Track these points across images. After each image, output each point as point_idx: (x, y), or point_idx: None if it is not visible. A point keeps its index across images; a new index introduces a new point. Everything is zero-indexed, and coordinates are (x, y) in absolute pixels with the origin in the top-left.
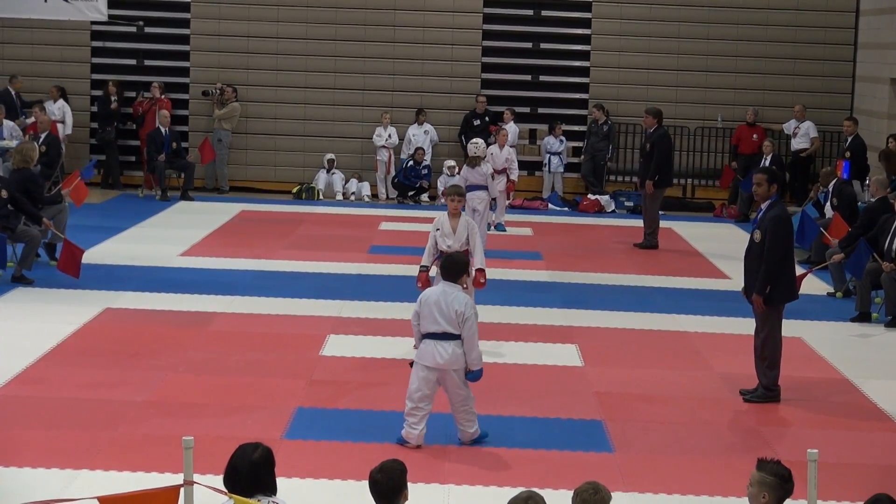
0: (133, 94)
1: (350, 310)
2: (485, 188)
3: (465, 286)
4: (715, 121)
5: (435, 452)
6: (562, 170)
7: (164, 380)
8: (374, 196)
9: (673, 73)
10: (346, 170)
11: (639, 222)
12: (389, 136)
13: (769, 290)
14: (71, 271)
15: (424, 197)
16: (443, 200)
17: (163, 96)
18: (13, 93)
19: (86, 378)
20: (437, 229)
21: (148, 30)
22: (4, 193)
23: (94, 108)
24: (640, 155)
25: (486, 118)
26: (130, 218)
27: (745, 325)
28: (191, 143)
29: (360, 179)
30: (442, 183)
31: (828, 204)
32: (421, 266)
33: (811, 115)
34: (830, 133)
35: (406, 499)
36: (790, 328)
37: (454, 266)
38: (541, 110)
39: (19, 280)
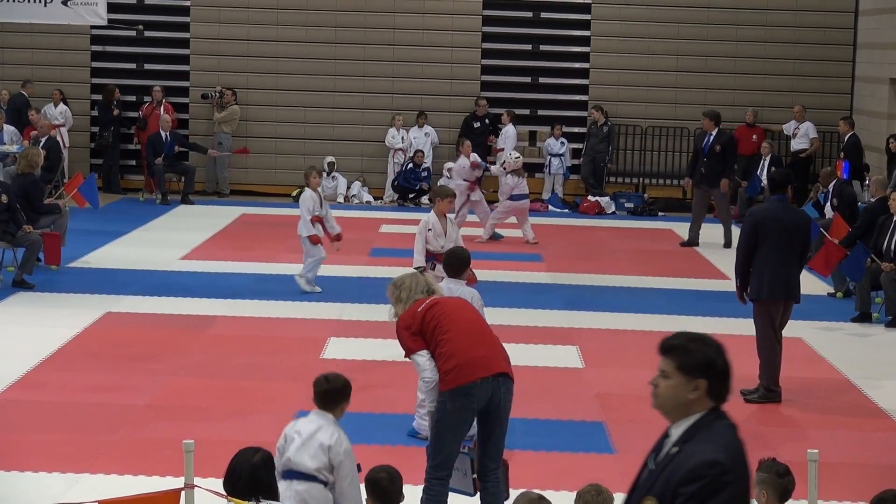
0: (132, 99)
1: (351, 312)
2: (528, 196)
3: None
4: None
5: None
6: (563, 171)
7: (164, 383)
8: (379, 198)
9: (672, 74)
10: (348, 173)
11: (640, 224)
12: (402, 137)
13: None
14: (52, 253)
15: (424, 199)
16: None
17: (164, 100)
18: (27, 97)
19: (87, 382)
20: (430, 229)
21: (148, 34)
22: (4, 198)
23: (94, 113)
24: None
25: (487, 120)
26: (131, 222)
27: (745, 326)
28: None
29: (364, 183)
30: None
31: (828, 204)
32: (417, 268)
33: (810, 115)
34: (830, 134)
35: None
36: (790, 328)
37: (457, 261)
38: (540, 112)
39: (20, 285)
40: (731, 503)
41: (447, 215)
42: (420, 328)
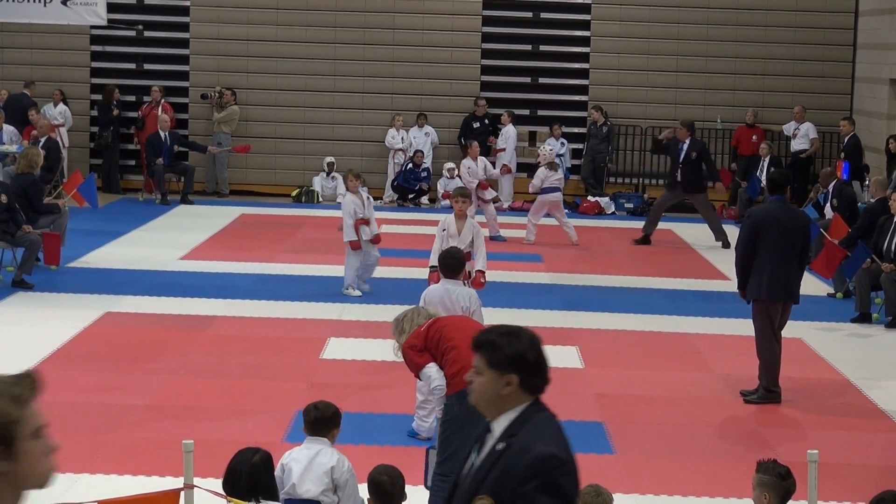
0: (132, 99)
1: (350, 313)
2: (560, 189)
3: (464, 283)
4: (714, 122)
5: None
6: (563, 172)
7: (164, 383)
8: (379, 199)
9: (672, 74)
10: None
11: (640, 224)
12: (402, 138)
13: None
14: (52, 253)
15: (424, 199)
16: (444, 203)
17: (163, 100)
18: (30, 98)
19: (86, 382)
20: (444, 230)
21: (147, 34)
22: (4, 198)
23: (94, 113)
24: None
25: (486, 121)
26: (130, 222)
27: (745, 327)
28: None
29: (364, 183)
30: (442, 185)
31: (828, 205)
32: (431, 266)
33: (810, 115)
34: (830, 134)
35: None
36: (790, 329)
37: (453, 262)
38: (540, 112)
39: (19, 285)
40: (569, 492)
41: (468, 216)
42: (425, 344)
